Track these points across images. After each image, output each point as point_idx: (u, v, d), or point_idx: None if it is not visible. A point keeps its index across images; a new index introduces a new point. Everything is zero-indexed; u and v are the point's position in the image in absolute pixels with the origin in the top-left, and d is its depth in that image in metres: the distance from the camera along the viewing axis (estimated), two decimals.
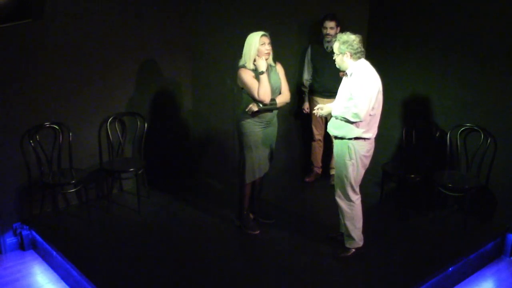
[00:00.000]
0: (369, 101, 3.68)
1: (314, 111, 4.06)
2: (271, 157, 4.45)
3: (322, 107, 3.99)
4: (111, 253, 4.15)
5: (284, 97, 4.24)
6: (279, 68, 4.24)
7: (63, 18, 4.47)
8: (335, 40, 3.84)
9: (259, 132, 4.22)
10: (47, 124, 4.57)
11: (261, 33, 4.04)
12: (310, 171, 5.67)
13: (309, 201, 5.20)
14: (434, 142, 4.94)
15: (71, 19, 4.52)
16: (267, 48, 4.04)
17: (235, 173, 5.67)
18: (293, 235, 4.43)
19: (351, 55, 3.75)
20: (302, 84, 5.45)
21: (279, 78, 4.21)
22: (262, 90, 4.01)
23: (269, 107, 4.12)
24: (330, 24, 5.02)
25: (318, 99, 5.26)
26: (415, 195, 4.89)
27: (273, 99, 4.13)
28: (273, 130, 4.34)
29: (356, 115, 3.68)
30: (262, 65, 4.03)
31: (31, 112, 4.48)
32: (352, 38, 3.73)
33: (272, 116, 4.26)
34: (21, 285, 4.11)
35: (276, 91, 4.18)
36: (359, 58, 3.78)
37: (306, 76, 5.38)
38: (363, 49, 3.78)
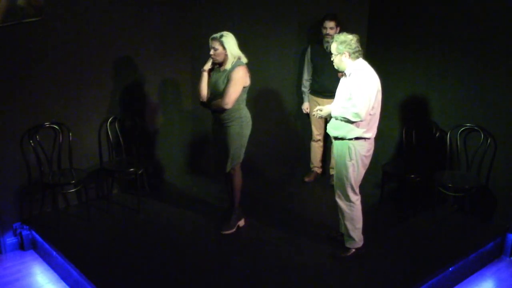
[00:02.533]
0: (369, 101, 3.68)
1: (314, 113, 4.04)
2: (226, 159, 4.32)
3: (322, 108, 3.97)
4: (111, 253, 4.15)
5: (219, 102, 4.13)
6: (234, 75, 4.07)
7: (63, 18, 4.47)
8: (332, 41, 3.83)
9: (213, 127, 4.37)
10: (47, 124, 4.57)
11: (211, 36, 4.11)
12: (309, 171, 5.67)
13: (309, 201, 5.20)
14: (434, 142, 4.93)
15: (71, 19, 4.52)
16: (211, 52, 4.11)
17: None
18: (293, 235, 4.43)
19: (349, 55, 3.75)
20: (302, 84, 5.45)
21: (224, 83, 4.13)
22: (197, 86, 4.28)
23: (205, 104, 4.30)
24: (330, 24, 5.02)
25: (318, 99, 5.26)
26: (415, 195, 4.89)
27: (211, 99, 4.21)
28: (223, 131, 4.24)
29: (356, 114, 3.68)
30: (206, 65, 4.23)
31: (31, 112, 4.49)
32: (349, 38, 3.73)
33: (221, 117, 4.19)
34: (21, 285, 4.11)
35: (216, 94, 4.18)
36: (357, 57, 3.78)
37: (306, 76, 5.38)
38: (360, 49, 3.78)
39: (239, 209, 4.54)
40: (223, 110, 4.13)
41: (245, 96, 4.24)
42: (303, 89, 5.46)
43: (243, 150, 4.35)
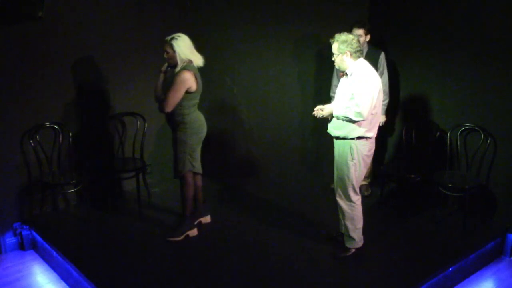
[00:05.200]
0: (371, 100, 3.68)
1: (315, 112, 3.98)
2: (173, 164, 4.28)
3: (323, 108, 3.95)
4: (111, 253, 4.15)
5: (160, 104, 4.09)
6: (175, 79, 3.98)
7: (63, 18, 4.48)
8: (333, 41, 3.82)
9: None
10: (47, 124, 4.57)
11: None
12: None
13: (309, 201, 5.20)
14: (434, 142, 4.93)
15: (71, 19, 4.52)
16: (164, 54, 4.04)
17: (235, 173, 5.70)
18: (293, 235, 4.43)
19: (351, 54, 3.75)
20: (331, 90, 5.17)
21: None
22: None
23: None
24: (359, 31, 4.77)
25: None
26: (415, 195, 4.89)
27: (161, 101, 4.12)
28: (173, 135, 4.22)
29: (359, 114, 3.67)
30: (163, 66, 4.16)
31: (31, 112, 4.49)
32: (350, 38, 3.74)
33: (169, 120, 4.17)
34: (21, 285, 4.11)
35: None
36: (359, 57, 3.78)
37: (335, 82, 5.18)
38: (361, 48, 3.79)
39: (190, 219, 4.38)
40: (163, 112, 4.08)
41: (193, 102, 4.10)
42: (331, 94, 5.17)
43: (191, 159, 4.20)
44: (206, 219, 4.62)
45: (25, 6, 4.14)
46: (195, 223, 4.47)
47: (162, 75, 4.18)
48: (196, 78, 4.04)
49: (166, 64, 4.15)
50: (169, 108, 4.01)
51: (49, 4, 4.29)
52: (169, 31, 5.10)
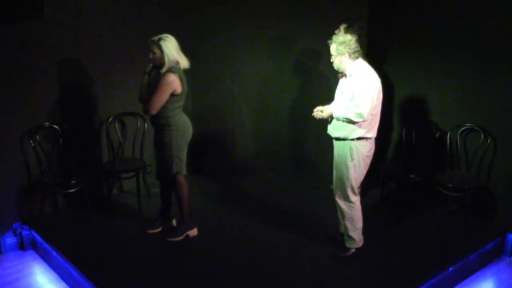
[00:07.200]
0: (371, 100, 3.67)
1: (314, 114, 3.97)
2: (163, 167, 4.22)
3: (322, 109, 3.94)
4: (111, 253, 4.15)
5: (145, 106, 4.05)
6: (160, 81, 3.93)
7: (63, 18, 4.48)
8: (331, 43, 3.81)
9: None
10: (47, 124, 4.57)
11: (151, 39, 3.97)
12: None
13: (309, 201, 5.20)
14: (434, 142, 4.93)
15: (71, 19, 4.52)
16: (150, 55, 3.97)
17: (235, 173, 5.70)
18: (293, 235, 4.43)
19: (349, 55, 3.74)
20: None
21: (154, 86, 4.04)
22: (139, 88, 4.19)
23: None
24: (341, 25, 4.78)
25: None
26: (415, 195, 4.89)
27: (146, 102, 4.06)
28: (156, 137, 4.18)
29: (359, 115, 3.67)
30: (147, 67, 4.12)
31: (31, 112, 4.49)
32: (348, 38, 3.73)
33: (153, 122, 4.13)
34: (21, 285, 4.11)
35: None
36: (357, 58, 3.77)
37: None
38: (359, 49, 3.78)
39: (188, 219, 4.37)
40: (148, 115, 4.05)
41: (178, 104, 4.05)
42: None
43: (179, 161, 4.16)
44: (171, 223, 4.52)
45: (25, 6, 4.15)
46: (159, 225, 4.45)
47: (146, 76, 4.12)
48: (181, 80, 3.98)
49: (150, 65, 4.09)
50: (154, 110, 3.97)
51: (49, 4, 4.30)
52: (169, 31, 5.13)
